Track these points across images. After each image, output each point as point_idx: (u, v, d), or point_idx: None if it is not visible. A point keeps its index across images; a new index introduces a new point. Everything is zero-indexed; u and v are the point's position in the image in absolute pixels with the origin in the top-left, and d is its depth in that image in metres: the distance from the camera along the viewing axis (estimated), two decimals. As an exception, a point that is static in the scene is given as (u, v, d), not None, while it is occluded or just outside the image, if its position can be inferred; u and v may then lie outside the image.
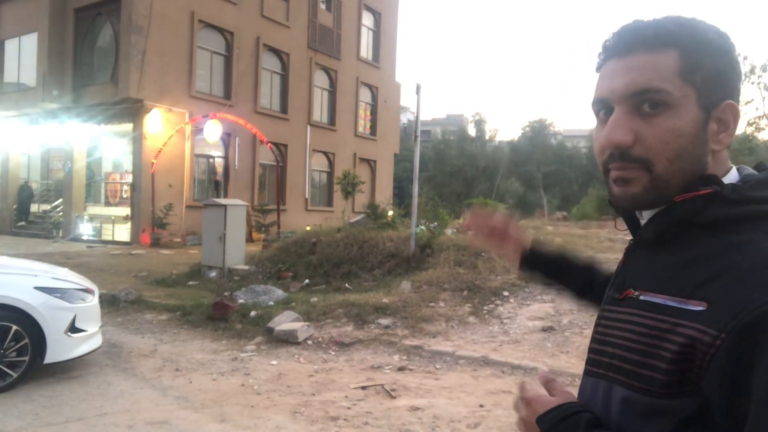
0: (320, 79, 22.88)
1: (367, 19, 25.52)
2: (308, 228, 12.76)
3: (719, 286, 0.72)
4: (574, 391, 0.91)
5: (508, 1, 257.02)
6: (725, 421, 0.70)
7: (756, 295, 0.68)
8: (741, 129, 18.58)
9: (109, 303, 7.63)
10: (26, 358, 4.63)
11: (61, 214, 18.47)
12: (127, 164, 18.56)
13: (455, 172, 42.25)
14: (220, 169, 18.97)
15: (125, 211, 18.16)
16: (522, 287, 7.92)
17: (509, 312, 7.13)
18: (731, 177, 0.83)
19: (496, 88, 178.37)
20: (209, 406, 4.46)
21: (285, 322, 6.52)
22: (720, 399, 0.70)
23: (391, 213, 12.55)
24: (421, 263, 9.09)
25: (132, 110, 15.94)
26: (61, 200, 18.94)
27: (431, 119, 64.51)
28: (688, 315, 0.73)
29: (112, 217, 17.99)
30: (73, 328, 4.86)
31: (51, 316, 4.73)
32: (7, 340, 4.55)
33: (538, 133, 45.35)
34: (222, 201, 11.37)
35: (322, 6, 22.66)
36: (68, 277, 5.31)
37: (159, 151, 16.10)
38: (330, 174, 23.38)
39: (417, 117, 9.66)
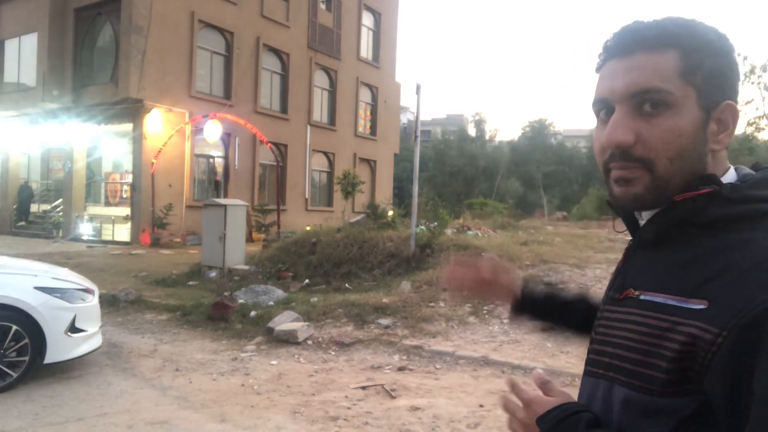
0: (320, 79, 22.88)
1: (367, 19, 25.52)
2: (308, 228, 12.76)
3: (720, 284, 0.72)
4: (573, 392, 0.91)
5: (508, 1, 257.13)
6: (726, 419, 0.70)
7: (757, 293, 0.68)
8: (741, 129, 18.57)
9: (109, 303, 7.63)
10: (26, 358, 4.63)
11: (61, 214, 18.48)
12: (127, 164, 18.56)
13: (455, 172, 42.25)
14: (220, 169, 18.98)
15: (125, 211, 18.16)
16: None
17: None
18: (729, 177, 0.83)
19: (496, 88, 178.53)
20: (209, 406, 4.46)
21: (285, 322, 6.52)
22: (721, 397, 0.70)
23: (391, 213, 12.56)
24: (421, 263, 9.09)
25: (132, 110, 15.94)
26: (61, 200, 18.94)
27: (431, 119, 64.53)
28: (689, 314, 0.73)
29: (112, 217, 17.99)
30: (73, 328, 4.86)
31: (51, 316, 4.73)
32: (7, 340, 4.55)
33: (538, 133, 45.34)
34: (222, 201, 11.38)
35: (322, 6, 22.66)
36: (68, 277, 5.31)
37: (159, 151, 16.10)
38: (330, 174, 23.38)
39: (417, 117, 9.66)
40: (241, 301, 7.59)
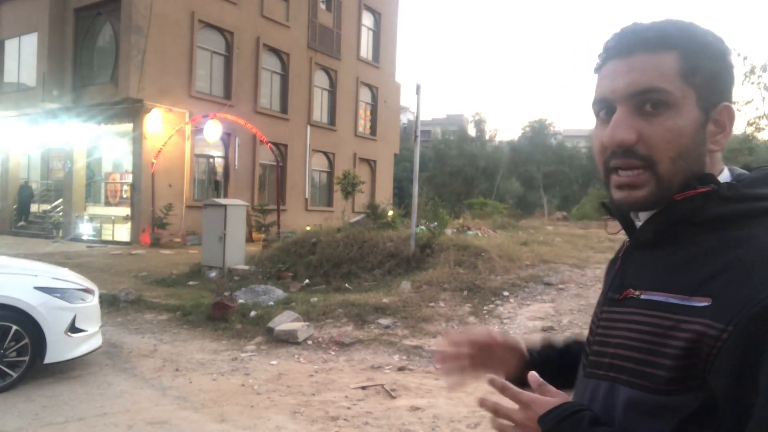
0: (320, 79, 22.88)
1: (367, 19, 25.52)
2: (308, 228, 12.76)
3: (723, 281, 0.73)
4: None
5: (508, 1, 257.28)
6: (731, 413, 0.70)
7: (761, 288, 0.69)
8: (741, 129, 18.52)
9: (109, 303, 7.63)
10: (26, 358, 4.63)
11: (61, 214, 18.47)
12: (127, 164, 18.56)
13: (455, 172, 42.26)
14: (220, 169, 18.98)
15: (125, 211, 18.16)
16: (522, 287, 7.92)
17: (509, 312, 7.13)
18: (724, 177, 0.85)
19: (496, 88, 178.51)
20: (209, 406, 4.46)
21: (285, 322, 6.52)
22: (726, 391, 0.70)
23: (391, 213, 12.56)
24: (421, 263, 9.09)
25: (132, 110, 15.94)
26: (61, 200, 18.94)
27: (431, 119, 64.54)
28: (693, 311, 0.74)
29: (112, 217, 17.99)
30: (73, 328, 4.86)
31: (51, 316, 4.73)
32: (7, 340, 4.55)
33: (538, 133, 45.31)
34: (222, 201, 11.38)
35: (322, 6, 22.66)
36: (68, 277, 5.31)
37: (159, 151, 16.10)
38: (330, 174, 23.38)
39: (417, 117, 9.66)
40: (241, 301, 7.59)
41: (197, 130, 17.09)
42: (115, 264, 11.71)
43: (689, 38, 0.81)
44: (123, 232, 17.11)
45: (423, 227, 10.14)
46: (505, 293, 7.67)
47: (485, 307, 7.28)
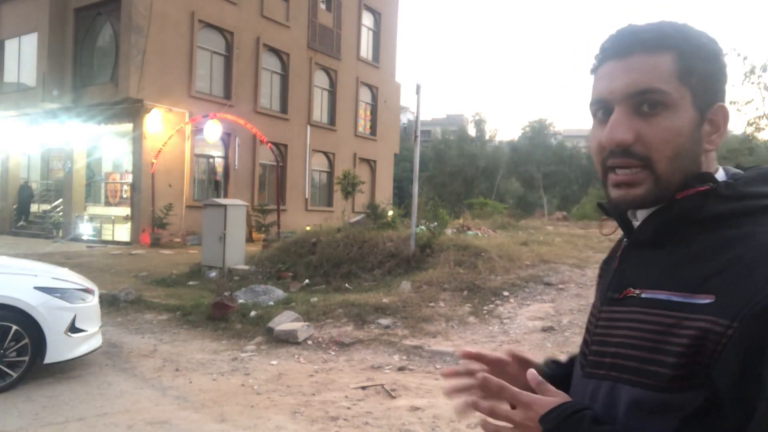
0: (320, 79, 22.88)
1: (367, 19, 25.52)
2: (308, 228, 12.76)
3: (726, 277, 0.74)
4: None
5: (508, 2, 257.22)
6: (735, 410, 0.71)
7: (765, 285, 0.70)
8: (741, 129, 18.51)
9: (109, 303, 7.63)
10: (26, 358, 4.63)
11: (61, 214, 18.48)
12: (127, 164, 18.56)
13: (455, 172, 42.26)
14: (220, 169, 18.98)
15: (125, 211, 18.16)
16: (522, 287, 7.93)
17: (509, 312, 7.13)
18: (720, 176, 0.85)
19: (496, 88, 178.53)
20: (209, 406, 4.46)
21: (285, 322, 6.52)
22: (731, 387, 0.71)
23: (391, 213, 12.56)
24: (421, 263, 9.09)
25: (132, 110, 15.95)
26: (61, 200, 18.94)
27: (431, 119, 64.58)
28: (696, 308, 0.74)
29: (112, 217, 17.99)
30: (73, 328, 4.86)
31: (51, 316, 4.73)
32: (7, 340, 4.56)
33: (538, 133, 45.33)
34: (222, 201, 11.38)
35: (322, 6, 22.66)
36: (68, 277, 5.32)
37: (159, 151, 16.10)
38: (330, 174, 23.38)
39: (417, 117, 9.66)
40: (241, 301, 7.60)
41: (197, 130, 17.09)
42: (115, 264, 11.71)
43: (685, 39, 0.82)
44: (123, 232, 17.11)
45: (423, 227, 10.15)
46: (505, 293, 7.67)
47: (485, 307, 7.28)
